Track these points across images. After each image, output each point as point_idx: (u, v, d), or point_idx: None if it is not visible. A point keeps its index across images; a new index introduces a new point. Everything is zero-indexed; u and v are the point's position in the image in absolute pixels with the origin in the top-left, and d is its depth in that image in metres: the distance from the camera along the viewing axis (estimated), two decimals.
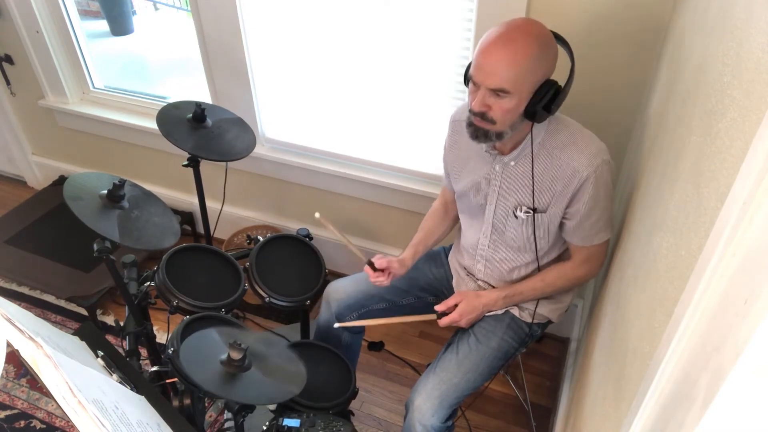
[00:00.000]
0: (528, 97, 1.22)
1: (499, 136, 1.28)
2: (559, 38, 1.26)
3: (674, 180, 0.89)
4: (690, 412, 0.52)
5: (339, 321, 1.69)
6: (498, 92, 1.21)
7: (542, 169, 1.34)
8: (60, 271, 2.39)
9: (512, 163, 1.37)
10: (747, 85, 0.62)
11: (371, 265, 1.53)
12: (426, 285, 1.70)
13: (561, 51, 1.26)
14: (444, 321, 1.49)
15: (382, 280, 1.53)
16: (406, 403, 1.51)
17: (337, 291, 1.69)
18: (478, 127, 1.28)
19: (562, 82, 1.24)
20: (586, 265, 1.45)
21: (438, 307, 1.51)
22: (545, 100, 1.22)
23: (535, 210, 1.38)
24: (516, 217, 1.41)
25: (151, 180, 2.69)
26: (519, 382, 2.11)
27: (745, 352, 0.44)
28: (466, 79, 1.30)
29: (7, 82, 2.72)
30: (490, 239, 1.51)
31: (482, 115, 1.25)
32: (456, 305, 1.50)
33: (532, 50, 1.18)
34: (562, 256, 1.51)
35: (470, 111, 1.27)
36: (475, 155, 1.44)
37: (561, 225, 1.40)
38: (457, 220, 1.70)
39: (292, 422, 1.37)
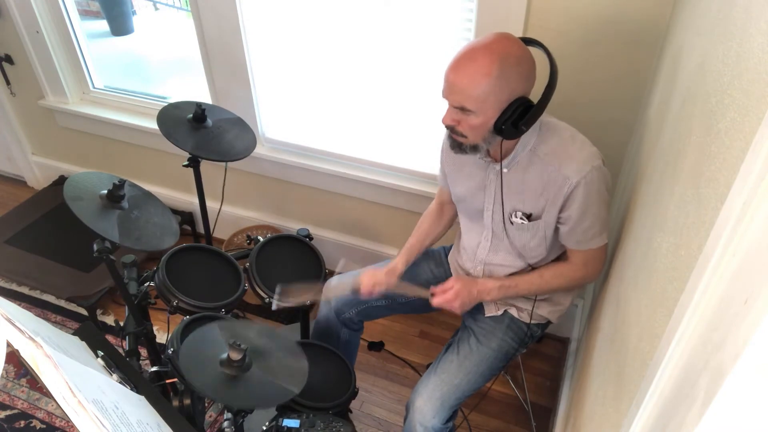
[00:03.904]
0: (495, 114, 1.23)
1: (474, 148, 1.30)
2: (538, 45, 1.25)
3: (674, 180, 0.89)
4: (690, 412, 0.52)
5: (338, 316, 1.69)
6: (462, 109, 1.23)
7: (534, 176, 1.34)
8: (60, 271, 2.39)
9: (505, 170, 1.37)
10: (747, 85, 0.62)
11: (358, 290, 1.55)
12: (425, 283, 1.69)
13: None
14: (437, 300, 1.45)
15: (375, 296, 1.56)
16: (406, 404, 1.51)
17: (336, 287, 1.69)
18: (453, 140, 1.32)
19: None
20: (584, 269, 1.44)
21: (435, 290, 1.48)
22: (513, 118, 1.22)
23: (530, 216, 1.38)
24: (512, 223, 1.41)
25: (151, 180, 2.69)
26: (519, 382, 2.11)
27: (745, 352, 0.44)
28: None
29: (7, 82, 2.72)
30: (491, 243, 1.51)
31: (452, 129, 1.29)
32: (451, 287, 1.47)
33: (492, 70, 1.17)
34: (560, 260, 1.51)
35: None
36: (471, 161, 1.44)
37: (556, 229, 1.40)
38: (452, 221, 1.71)
39: (292, 422, 1.37)
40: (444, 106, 1.28)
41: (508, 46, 1.20)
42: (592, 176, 1.28)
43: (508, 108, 1.22)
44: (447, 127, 1.30)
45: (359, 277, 1.56)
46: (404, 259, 1.61)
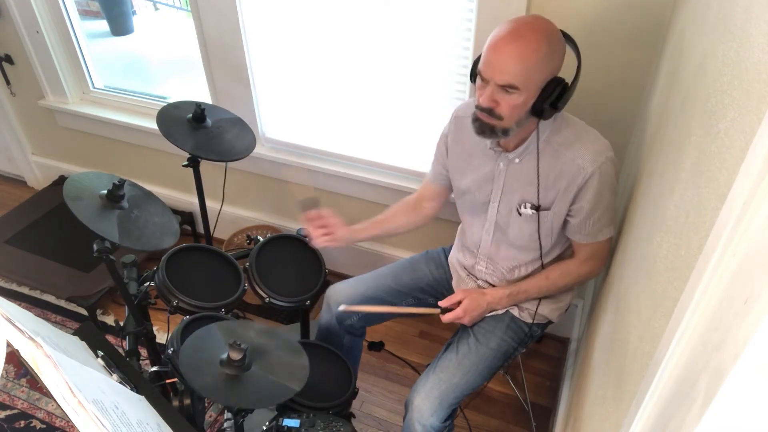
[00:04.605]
0: (536, 93, 1.23)
1: (505, 132, 1.28)
2: (566, 36, 1.27)
3: (674, 180, 0.89)
4: (690, 412, 0.52)
5: (340, 324, 1.69)
6: (506, 88, 1.21)
7: (547, 166, 1.34)
8: (60, 271, 2.39)
9: (517, 160, 1.37)
10: (747, 85, 0.62)
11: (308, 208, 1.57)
12: (426, 286, 1.70)
13: (567, 51, 1.27)
14: (447, 317, 1.48)
15: (317, 237, 1.57)
16: (405, 402, 1.51)
17: (338, 293, 1.69)
18: (485, 123, 1.28)
19: (567, 81, 1.25)
20: (590, 263, 1.45)
21: (442, 303, 1.50)
22: (552, 97, 1.22)
23: (539, 207, 1.38)
24: (520, 214, 1.41)
25: (151, 180, 2.69)
26: (519, 382, 2.11)
27: (745, 352, 0.44)
28: (473, 75, 1.31)
29: (7, 82, 2.72)
30: (493, 237, 1.51)
31: (489, 111, 1.26)
32: (460, 302, 1.49)
33: (541, 47, 1.18)
34: (564, 255, 1.51)
35: (477, 107, 1.28)
36: (479, 152, 1.44)
37: (565, 222, 1.40)
38: (424, 220, 1.69)
39: (292, 422, 1.37)
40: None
41: (548, 25, 1.22)
42: (606, 167, 1.29)
43: (547, 86, 1.22)
44: (484, 109, 1.26)
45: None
46: (363, 227, 1.62)
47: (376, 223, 1.65)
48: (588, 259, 1.45)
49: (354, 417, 1.63)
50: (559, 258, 1.51)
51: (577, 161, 1.30)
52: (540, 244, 1.44)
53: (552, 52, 1.21)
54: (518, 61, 1.18)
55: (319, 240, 1.58)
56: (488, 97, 1.24)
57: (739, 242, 0.50)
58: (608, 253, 1.45)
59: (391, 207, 1.69)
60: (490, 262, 1.55)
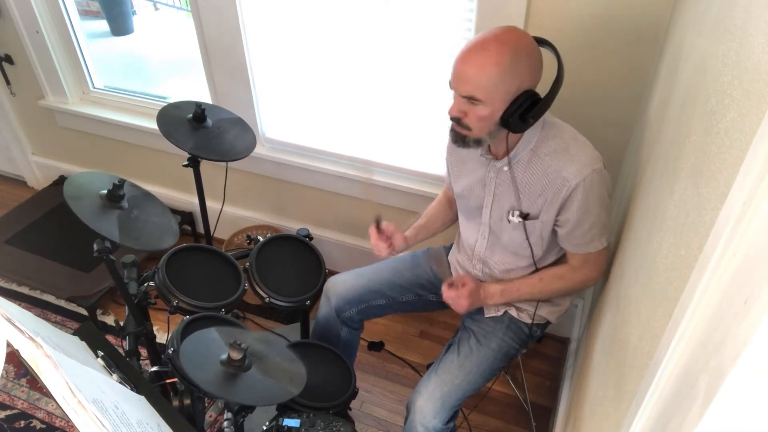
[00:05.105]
0: (502, 106, 1.23)
1: (477, 142, 1.30)
2: (547, 44, 1.25)
3: (674, 180, 0.89)
4: (690, 412, 0.52)
5: (338, 316, 1.69)
6: (470, 99, 1.22)
7: (533, 176, 1.33)
8: (60, 271, 2.39)
9: (505, 168, 1.37)
10: (747, 85, 0.62)
11: (377, 224, 1.53)
12: (426, 283, 1.70)
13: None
14: (450, 293, 1.46)
15: (383, 250, 1.54)
16: (407, 404, 1.51)
17: (337, 285, 1.69)
18: (457, 133, 1.31)
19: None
20: (583, 271, 1.44)
21: (451, 279, 1.48)
22: (520, 111, 1.22)
23: (527, 216, 1.38)
24: (509, 221, 1.41)
25: (151, 180, 2.69)
26: (519, 382, 2.11)
27: (745, 352, 0.44)
28: None
29: (7, 82, 2.72)
30: (488, 241, 1.51)
31: (458, 121, 1.28)
32: (464, 284, 1.47)
33: (504, 60, 1.17)
34: (560, 262, 1.51)
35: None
36: (473, 158, 1.44)
37: (554, 232, 1.40)
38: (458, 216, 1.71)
39: (292, 422, 1.37)
40: (446, 101, 1.28)
41: (519, 38, 1.20)
42: (591, 179, 1.28)
43: (516, 100, 1.22)
44: (452, 119, 1.29)
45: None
46: (413, 234, 1.62)
47: (423, 228, 1.65)
48: (581, 268, 1.43)
49: (350, 409, 1.62)
50: (556, 264, 1.50)
51: (562, 173, 1.29)
52: (531, 252, 1.43)
53: (518, 66, 1.19)
54: (479, 73, 1.19)
55: (383, 253, 1.57)
56: (455, 107, 1.27)
57: (739, 242, 0.50)
58: (604, 263, 1.44)
59: (428, 211, 1.70)
60: (485, 265, 1.55)
